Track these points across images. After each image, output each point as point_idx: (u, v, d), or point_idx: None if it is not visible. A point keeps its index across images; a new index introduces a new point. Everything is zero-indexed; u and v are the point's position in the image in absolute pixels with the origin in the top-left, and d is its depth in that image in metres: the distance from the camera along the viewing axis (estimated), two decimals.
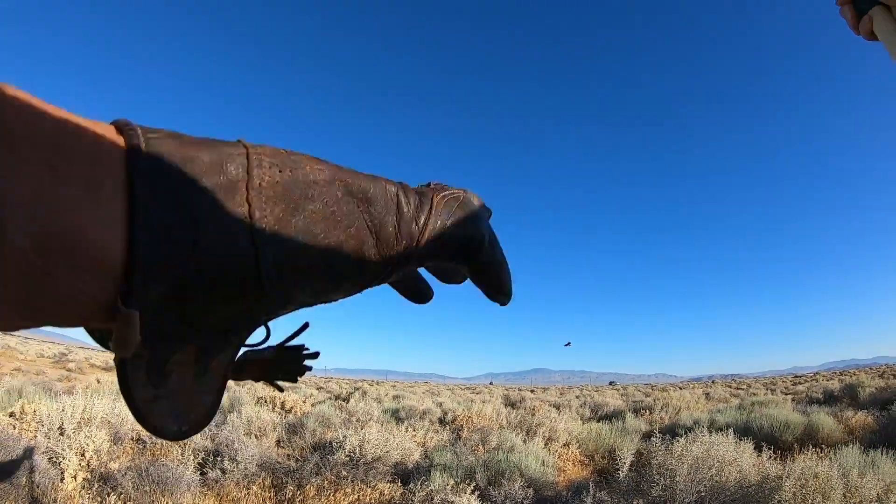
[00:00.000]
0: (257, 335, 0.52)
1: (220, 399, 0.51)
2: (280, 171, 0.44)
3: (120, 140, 0.38)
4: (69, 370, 26.28)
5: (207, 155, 0.41)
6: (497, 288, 0.60)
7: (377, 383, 43.09)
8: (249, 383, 24.00)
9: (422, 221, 0.52)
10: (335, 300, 0.52)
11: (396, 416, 13.59)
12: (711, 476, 5.14)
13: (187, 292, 0.40)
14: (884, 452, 6.25)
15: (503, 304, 0.63)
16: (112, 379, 14.18)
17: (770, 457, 5.97)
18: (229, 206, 0.41)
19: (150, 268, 0.37)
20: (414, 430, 10.22)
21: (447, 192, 0.56)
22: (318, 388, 27.42)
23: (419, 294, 0.65)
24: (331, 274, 0.47)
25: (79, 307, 0.37)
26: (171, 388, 0.46)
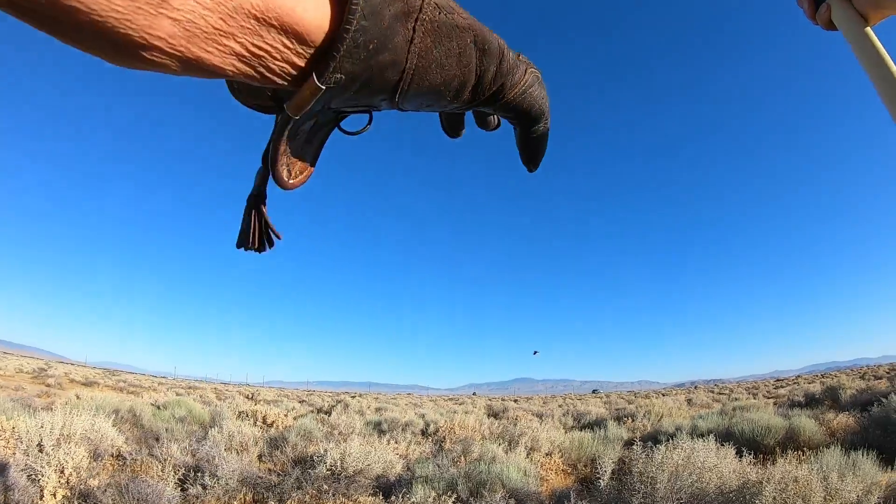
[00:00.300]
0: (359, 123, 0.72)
1: (315, 163, 0.71)
2: (440, 13, 0.59)
3: None
4: (48, 385, 25.88)
5: None
6: (533, 156, 0.82)
7: (359, 396, 42.94)
8: (232, 399, 23.79)
9: (515, 80, 0.69)
10: (427, 112, 0.70)
11: (379, 428, 13.57)
12: (692, 483, 5.13)
13: (351, 83, 0.56)
14: (865, 453, 6.31)
15: (531, 171, 0.85)
16: (92, 394, 14.05)
17: (751, 461, 5.98)
18: (402, 27, 0.56)
19: (345, 56, 0.52)
20: (396, 443, 10.19)
21: (535, 69, 0.74)
22: (300, 402, 27.30)
23: (455, 126, 0.80)
24: (438, 95, 0.63)
25: (283, 64, 0.53)
26: (292, 147, 0.66)
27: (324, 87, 0.54)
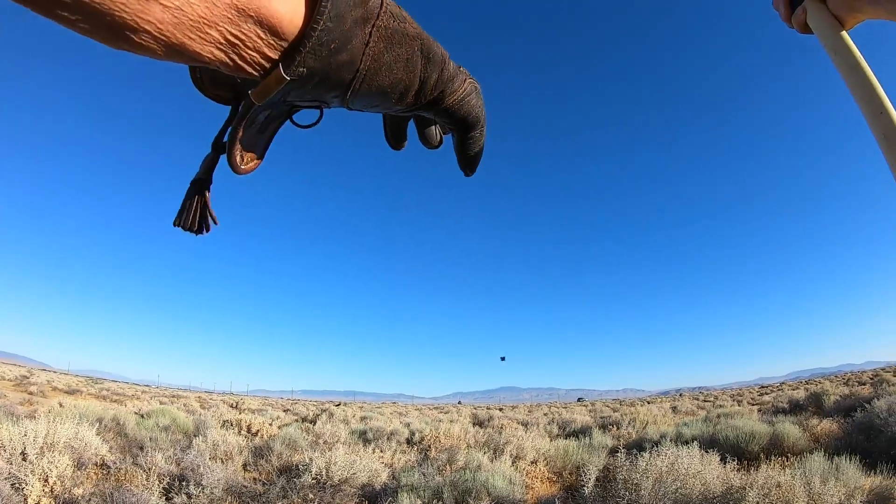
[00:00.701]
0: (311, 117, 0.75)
1: (265, 153, 0.76)
2: (393, 21, 0.64)
3: None
4: (31, 393, 25.58)
5: None
6: (470, 162, 0.86)
7: (344, 404, 42.69)
8: (216, 407, 23.61)
9: (454, 87, 0.74)
10: (373, 112, 0.74)
11: (364, 437, 13.51)
12: (676, 489, 5.16)
13: (311, 77, 0.61)
14: (848, 458, 6.36)
15: (467, 175, 0.89)
16: (75, 403, 13.91)
17: (735, 467, 6.01)
18: (360, 31, 0.61)
19: (310, 52, 0.57)
20: (381, 452, 10.16)
21: (473, 80, 0.79)
22: (285, 411, 27.13)
23: (398, 137, 0.87)
24: (385, 96, 0.68)
25: (254, 53, 0.57)
26: (247, 135, 0.71)
27: (288, 79, 0.59)
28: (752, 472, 5.60)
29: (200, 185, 0.74)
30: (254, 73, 0.60)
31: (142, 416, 13.83)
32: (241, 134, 0.70)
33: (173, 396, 38.02)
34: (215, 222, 0.76)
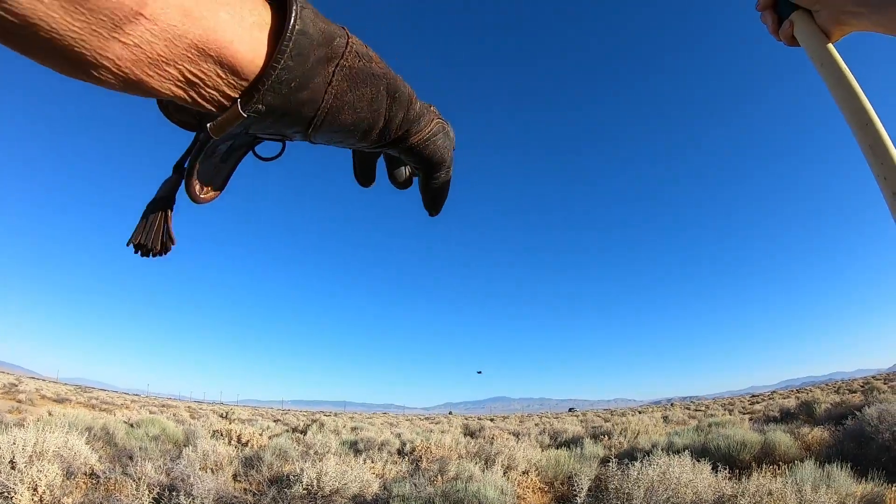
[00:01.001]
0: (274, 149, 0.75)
1: (227, 183, 0.75)
2: (358, 61, 0.64)
3: None
4: (19, 401, 25.36)
5: (327, 28, 0.61)
6: (434, 202, 0.86)
7: (335, 415, 42.62)
8: (206, 417, 23.49)
9: (420, 127, 0.74)
10: (337, 147, 0.73)
11: (355, 447, 13.46)
12: (667, 498, 5.15)
13: (270, 114, 0.60)
14: (840, 466, 6.38)
15: (431, 216, 0.89)
16: (64, 411, 13.84)
17: (727, 476, 6.02)
18: (323, 70, 0.60)
19: (269, 90, 0.57)
20: (372, 462, 10.13)
21: (442, 120, 0.79)
22: (275, 421, 26.99)
23: (367, 175, 0.86)
24: (347, 133, 0.68)
25: (213, 91, 0.57)
26: (208, 164, 0.70)
27: (245, 115, 0.59)
28: (743, 480, 5.61)
29: (166, 203, 0.73)
30: (212, 109, 0.60)
31: (131, 426, 13.74)
32: (198, 166, 0.69)
33: (163, 406, 37.81)
34: (173, 242, 0.73)
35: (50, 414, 13.28)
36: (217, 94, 0.58)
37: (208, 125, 0.61)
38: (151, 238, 0.71)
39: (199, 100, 0.58)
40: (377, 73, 0.66)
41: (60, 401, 29.93)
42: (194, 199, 0.70)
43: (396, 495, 6.93)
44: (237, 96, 0.59)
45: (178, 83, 0.55)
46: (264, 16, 0.58)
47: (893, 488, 6.28)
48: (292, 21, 0.57)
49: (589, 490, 6.33)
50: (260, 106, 0.59)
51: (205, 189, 0.72)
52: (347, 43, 0.63)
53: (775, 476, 5.81)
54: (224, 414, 30.30)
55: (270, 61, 0.56)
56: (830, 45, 1.04)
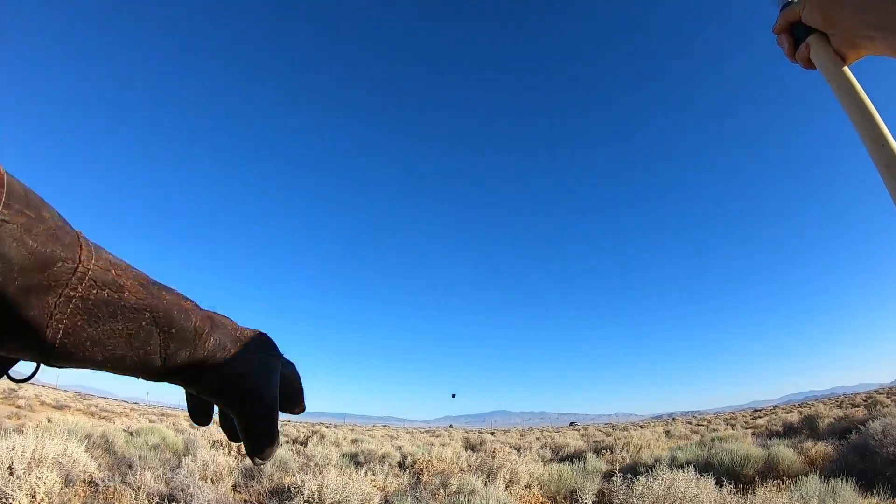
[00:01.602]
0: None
1: None
2: (98, 291, 0.55)
3: None
4: (19, 407, 25.35)
5: (41, 249, 0.54)
6: (252, 447, 0.64)
7: (335, 427, 42.52)
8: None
9: (221, 361, 0.59)
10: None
11: (355, 460, 13.43)
12: None
13: None
14: (844, 480, 6.36)
15: (255, 464, 0.75)
16: (63, 418, 13.87)
17: (732, 491, 5.98)
18: (38, 301, 0.54)
19: None
20: (373, 475, 10.09)
21: (274, 355, 0.67)
22: None
23: (199, 414, 0.68)
24: (108, 368, 0.57)
25: None
26: None
27: None
28: (748, 495, 5.57)
29: None
30: None
31: (131, 434, 13.71)
32: None
33: (162, 415, 37.83)
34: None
35: (49, 420, 13.28)
36: None
37: None
38: None
39: None
40: (133, 306, 0.56)
41: (60, 407, 29.98)
42: None
43: None
44: None
45: None
46: None
47: None
48: None
49: None
50: None
51: None
52: (75, 270, 0.55)
53: (780, 491, 5.76)
54: None
55: None
56: (846, 68, 1.05)
